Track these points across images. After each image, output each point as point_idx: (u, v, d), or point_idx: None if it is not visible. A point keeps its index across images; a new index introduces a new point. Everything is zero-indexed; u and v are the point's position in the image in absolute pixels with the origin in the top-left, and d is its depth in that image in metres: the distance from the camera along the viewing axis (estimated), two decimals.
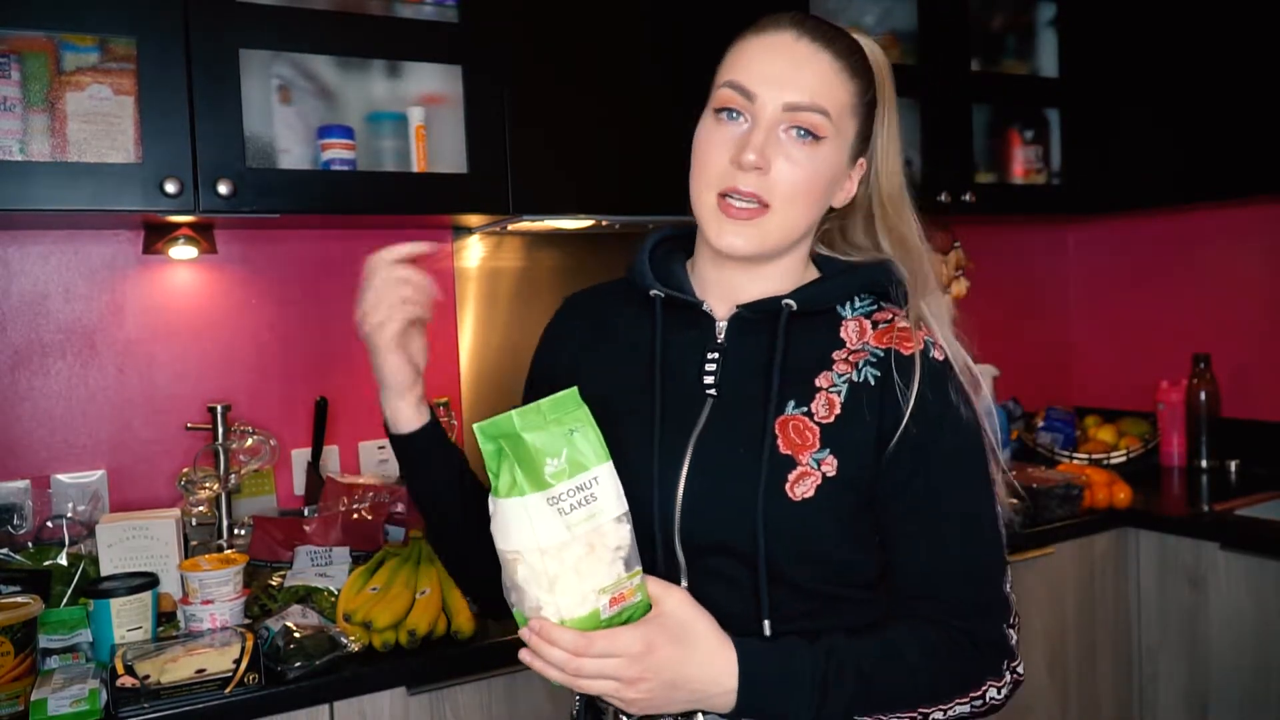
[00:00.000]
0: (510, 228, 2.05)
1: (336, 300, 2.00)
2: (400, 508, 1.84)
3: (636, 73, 1.91)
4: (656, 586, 0.89)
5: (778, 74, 0.95)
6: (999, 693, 0.96)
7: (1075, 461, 2.53)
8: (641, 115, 1.91)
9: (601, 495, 0.85)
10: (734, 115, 0.96)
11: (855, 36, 1.02)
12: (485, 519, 0.99)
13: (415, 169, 1.78)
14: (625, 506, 0.87)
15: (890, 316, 1.00)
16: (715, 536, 0.95)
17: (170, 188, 1.51)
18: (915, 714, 0.93)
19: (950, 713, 0.94)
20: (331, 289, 2.00)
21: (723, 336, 1.02)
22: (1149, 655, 2.23)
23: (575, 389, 0.88)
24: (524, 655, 0.86)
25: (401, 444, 1.02)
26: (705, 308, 1.03)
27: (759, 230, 0.96)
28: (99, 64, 1.53)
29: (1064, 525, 2.14)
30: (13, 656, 1.32)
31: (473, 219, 1.92)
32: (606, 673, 0.84)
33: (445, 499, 1.05)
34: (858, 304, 1.02)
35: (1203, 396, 2.53)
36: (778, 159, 0.94)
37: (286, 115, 1.74)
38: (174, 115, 1.52)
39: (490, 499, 0.86)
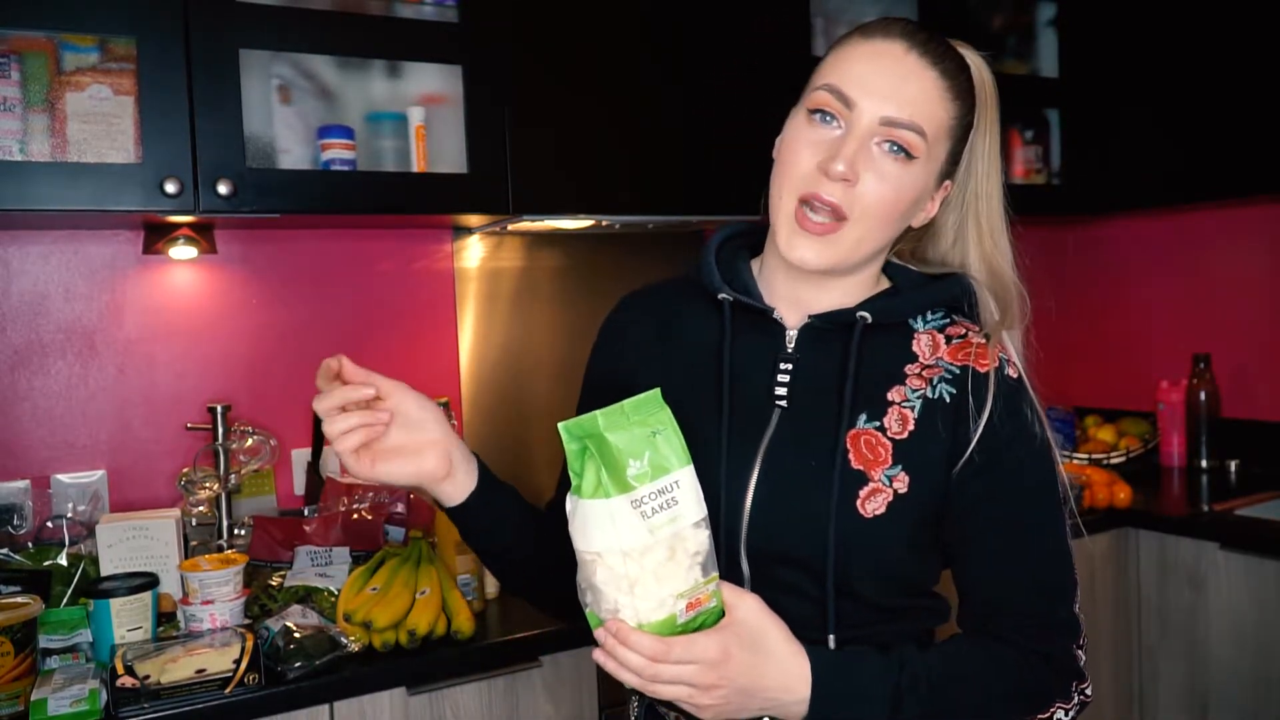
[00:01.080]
0: (510, 228, 2.05)
1: (336, 300, 2.00)
2: (400, 508, 1.83)
3: (636, 73, 1.91)
4: (730, 592, 0.87)
5: (881, 85, 0.91)
6: (1066, 715, 0.94)
7: (1075, 461, 2.53)
8: (642, 115, 1.91)
9: (683, 499, 0.84)
10: (828, 119, 0.93)
11: (965, 53, 0.98)
12: (550, 546, 0.99)
13: (415, 169, 1.78)
14: (705, 511, 0.86)
15: (964, 331, 0.98)
16: (784, 549, 0.94)
17: (170, 188, 1.51)
18: None
19: None
20: (331, 289, 2.00)
21: (793, 346, 1.00)
22: (1149, 655, 2.23)
23: (658, 390, 0.86)
24: (598, 655, 0.85)
25: (452, 515, 1.00)
26: (775, 315, 1.00)
27: (831, 246, 0.92)
28: (99, 64, 1.53)
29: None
30: (13, 656, 1.32)
31: (473, 219, 1.92)
32: (683, 679, 0.83)
33: (511, 551, 1.04)
34: (929, 317, 1.00)
35: (1203, 396, 2.53)
36: (866, 173, 0.91)
37: (286, 115, 1.74)
38: (174, 115, 1.52)
39: (570, 497, 0.85)
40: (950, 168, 0.99)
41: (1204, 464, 2.53)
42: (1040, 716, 0.93)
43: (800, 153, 0.93)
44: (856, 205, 0.92)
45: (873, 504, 0.92)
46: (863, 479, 0.93)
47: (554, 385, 2.19)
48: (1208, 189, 2.36)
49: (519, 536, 1.03)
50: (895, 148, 0.92)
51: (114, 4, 1.48)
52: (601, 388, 1.09)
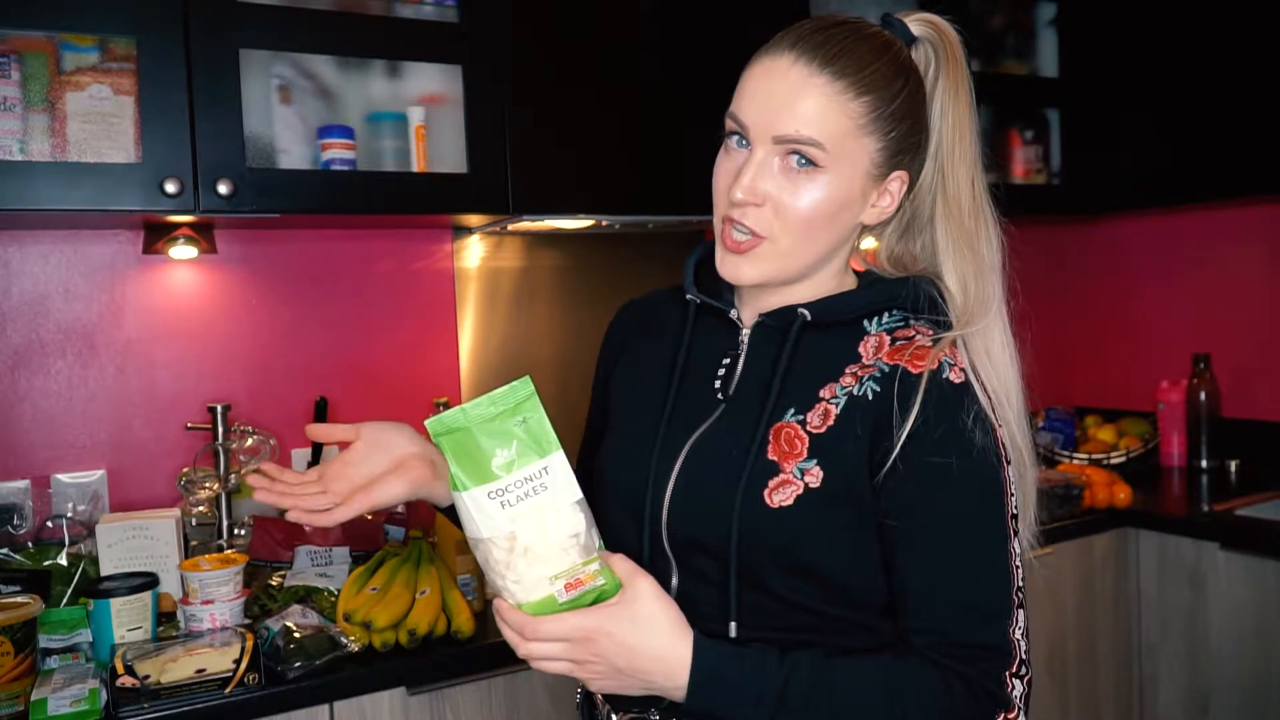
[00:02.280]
0: (510, 228, 2.05)
1: (336, 300, 2.00)
2: (400, 508, 1.83)
3: (637, 72, 1.90)
4: (625, 572, 0.88)
5: (768, 103, 0.91)
6: None
7: (1075, 461, 2.53)
8: (642, 115, 1.91)
9: (552, 484, 0.87)
10: (741, 143, 0.95)
11: (916, 20, 0.97)
12: None
13: (415, 169, 1.78)
14: (579, 494, 0.88)
15: (912, 334, 0.96)
16: (694, 534, 0.95)
17: (170, 188, 1.51)
18: None
19: None
20: (331, 289, 2.00)
21: (745, 343, 1.01)
22: (1149, 655, 2.23)
23: (528, 377, 0.89)
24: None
25: (449, 514, 1.03)
26: (732, 315, 1.03)
27: (758, 261, 0.94)
28: (99, 64, 1.53)
29: (1064, 525, 2.14)
30: (13, 656, 1.33)
31: (473, 219, 1.92)
32: (553, 655, 0.87)
33: None
34: (885, 319, 0.98)
35: (1203, 396, 2.53)
36: (772, 190, 0.92)
37: (286, 115, 1.74)
38: (174, 115, 1.52)
39: None
40: (894, 157, 0.95)
41: (1204, 464, 2.53)
42: None
43: (719, 180, 0.97)
44: (774, 223, 0.93)
45: (780, 495, 0.91)
46: (774, 469, 0.92)
47: (554, 385, 2.19)
48: (1207, 189, 2.36)
49: None
50: (802, 161, 0.91)
51: (114, 4, 1.48)
52: (597, 389, 1.16)
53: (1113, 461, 2.55)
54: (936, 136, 0.98)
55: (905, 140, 0.95)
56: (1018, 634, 0.89)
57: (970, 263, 0.98)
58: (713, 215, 0.99)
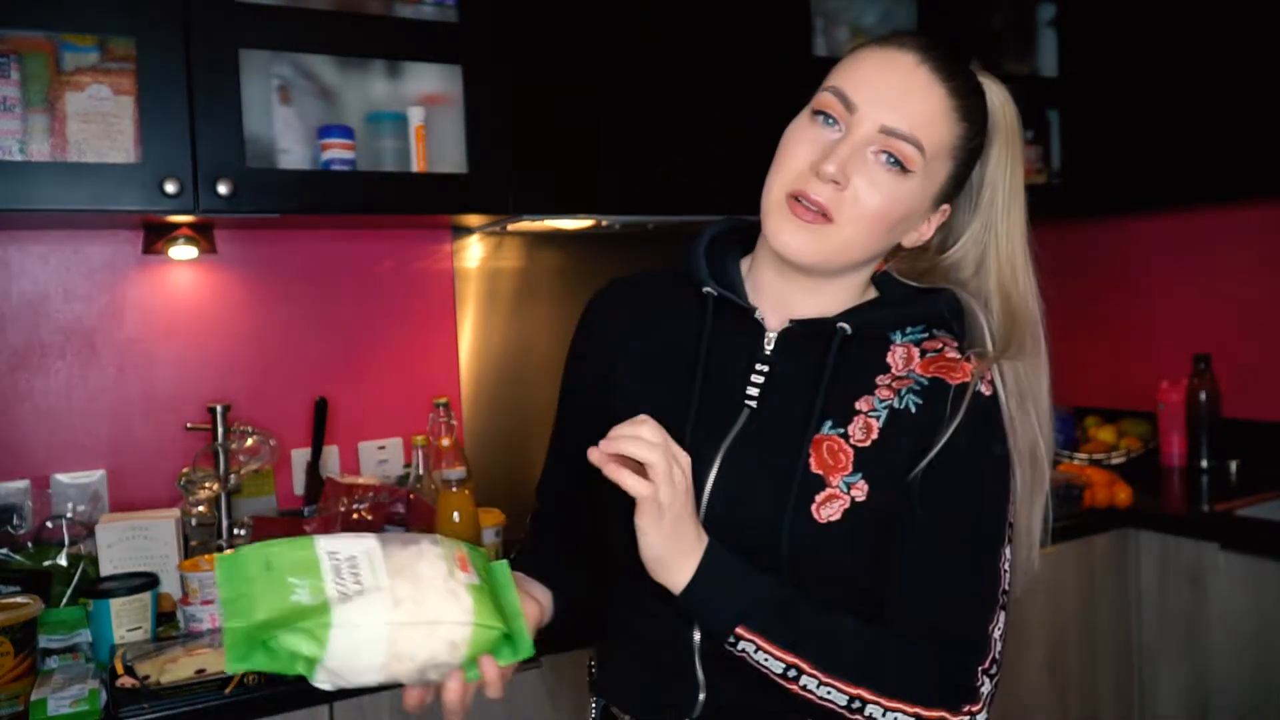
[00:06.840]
0: (510, 228, 2.05)
1: (336, 300, 2.00)
2: (400, 508, 1.83)
3: (637, 72, 1.90)
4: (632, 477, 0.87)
5: (885, 93, 0.91)
6: None
7: (1075, 461, 2.53)
8: (642, 115, 1.91)
9: (364, 576, 0.82)
10: (829, 121, 0.93)
11: (987, 83, 0.99)
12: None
13: (415, 169, 1.78)
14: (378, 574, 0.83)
15: (940, 345, 0.98)
16: (737, 548, 0.92)
17: (170, 188, 1.51)
18: (857, 691, 0.87)
19: (889, 715, 0.87)
20: (331, 289, 2.00)
21: (771, 349, 0.99)
22: (1149, 655, 2.23)
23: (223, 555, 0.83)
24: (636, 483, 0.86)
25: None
26: (757, 315, 0.99)
27: (817, 239, 0.92)
28: (99, 64, 1.53)
29: (1064, 525, 2.13)
30: (13, 656, 1.33)
31: (473, 219, 1.92)
32: (653, 438, 0.85)
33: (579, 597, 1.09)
34: (908, 331, 1.00)
35: (1203, 396, 2.52)
36: (858, 178, 0.91)
37: (286, 115, 1.74)
38: (174, 115, 1.52)
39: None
40: (952, 191, 0.98)
41: (1204, 464, 2.52)
42: (921, 711, 0.87)
43: (797, 150, 0.93)
44: (845, 209, 0.91)
45: (828, 510, 0.91)
46: (820, 484, 0.92)
47: (554, 385, 2.18)
48: (1208, 190, 2.36)
49: (575, 592, 1.08)
50: (891, 160, 0.91)
51: (114, 4, 1.48)
52: (582, 366, 1.11)
53: (1113, 462, 2.55)
54: (989, 193, 1.00)
55: (961, 180, 0.98)
56: (996, 633, 0.91)
57: (1021, 316, 1.02)
58: (769, 183, 0.95)
